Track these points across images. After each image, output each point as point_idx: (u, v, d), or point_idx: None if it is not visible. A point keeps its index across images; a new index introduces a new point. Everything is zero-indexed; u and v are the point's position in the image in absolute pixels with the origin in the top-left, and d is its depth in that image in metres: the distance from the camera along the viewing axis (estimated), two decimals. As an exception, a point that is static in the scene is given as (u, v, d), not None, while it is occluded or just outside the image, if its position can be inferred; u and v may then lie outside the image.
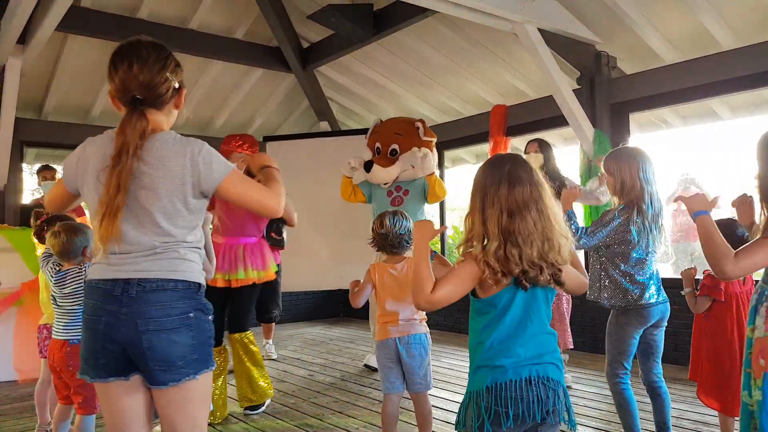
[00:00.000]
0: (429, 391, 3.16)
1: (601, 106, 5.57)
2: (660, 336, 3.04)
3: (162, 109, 1.86)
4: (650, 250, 2.94)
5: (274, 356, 5.91)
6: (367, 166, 5.04)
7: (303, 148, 6.99)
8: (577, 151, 5.68)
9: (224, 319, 4.10)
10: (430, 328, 3.21)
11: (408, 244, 3.11)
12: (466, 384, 1.88)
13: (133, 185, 1.74)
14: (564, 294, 4.48)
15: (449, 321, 7.04)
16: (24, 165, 6.80)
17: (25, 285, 4.90)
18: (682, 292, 3.16)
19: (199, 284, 1.85)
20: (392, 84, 7.32)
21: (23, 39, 5.13)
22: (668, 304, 3.02)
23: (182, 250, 1.82)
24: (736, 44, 4.87)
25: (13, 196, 6.45)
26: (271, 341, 6.04)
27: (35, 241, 3.97)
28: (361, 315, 8.33)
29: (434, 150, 5.19)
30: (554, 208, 1.81)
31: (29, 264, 4.93)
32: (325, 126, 8.26)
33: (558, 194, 4.71)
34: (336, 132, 7.96)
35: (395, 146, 4.98)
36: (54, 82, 6.65)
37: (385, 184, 5.07)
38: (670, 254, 3.26)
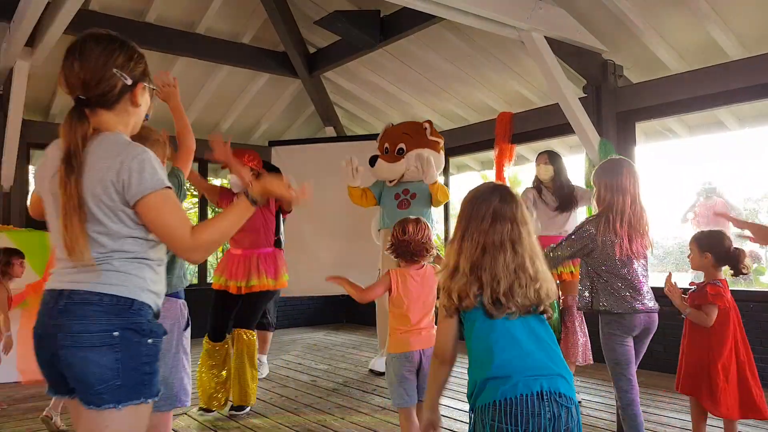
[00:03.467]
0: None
1: (607, 114, 5.56)
2: (641, 347, 3.06)
3: (112, 109, 1.70)
4: (626, 258, 2.96)
5: (264, 375, 5.33)
6: (372, 161, 5.17)
7: (308, 153, 7.00)
8: (583, 159, 5.67)
9: (228, 321, 4.28)
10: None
11: (428, 251, 3.05)
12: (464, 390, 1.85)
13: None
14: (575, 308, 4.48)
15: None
16: (30, 167, 6.82)
17: (29, 286, 4.92)
18: (682, 316, 3.17)
19: (133, 300, 1.63)
20: (398, 90, 7.33)
21: (31, 42, 5.16)
22: (655, 315, 3.03)
23: (117, 262, 1.62)
24: (743, 54, 4.86)
25: (20, 197, 6.47)
26: (265, 359, 5.54)
27: None
28: (364, 321, 8.32)
29: (441, 151, 5.28)
30: (534, 249, 1.80)
31: (34, 266, 4.94)
32: (330, 131, 8.26)
33: (563, 205, 4.75)
34: (342, 137, 7.97)
35: (402, 145, 5.16)
36: (61, 85, 6.68)
37: (390, 181, 5.20)
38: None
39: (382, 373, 5.31)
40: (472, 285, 1.74)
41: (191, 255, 1.69)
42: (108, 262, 1.62)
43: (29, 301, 4.85)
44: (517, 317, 1.75)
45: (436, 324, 3.04)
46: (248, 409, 4.22)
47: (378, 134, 5.65)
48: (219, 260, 4.78)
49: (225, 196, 4.47)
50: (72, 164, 1.58)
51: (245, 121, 8.10)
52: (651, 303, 3.00)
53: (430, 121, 5.36)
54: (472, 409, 1.76)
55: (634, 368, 2.98)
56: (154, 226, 1.64)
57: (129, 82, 1.70)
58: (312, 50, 7.46)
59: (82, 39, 1.68)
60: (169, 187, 1.65)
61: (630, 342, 2.98)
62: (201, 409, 4.17)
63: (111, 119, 1.70)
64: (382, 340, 5.40)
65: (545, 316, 1.81)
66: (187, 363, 2.83)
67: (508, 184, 6.28)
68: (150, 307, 1.68)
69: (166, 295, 1.96)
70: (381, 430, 3.79)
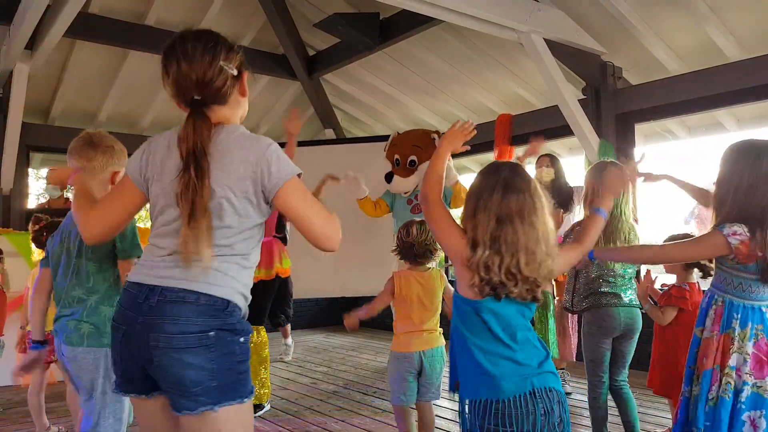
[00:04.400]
0: (437, 402, 3.16)
1: (606, 116, 5.57)
2: (627, 347, 3.14)
3: (226, 103, 1.70)
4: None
5: (288, 358, 6.06)
6: (388, 178, 5.28)
7: (308, 155, 6.96)
8: (582, 161, 5.67)
9: None
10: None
11: (432, 254, 3.06)
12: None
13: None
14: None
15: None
16: (30, 170, 6.82)
17: (29, 289, 4.91)
18: (643, 310, 3.23)
19: (229, 302, 1.59)
20: (397, 92, 7.33)
21: (31, 45, 5.16)
22: (637, 315, 3.11)
23: (218, 262, 1.58)
24: (742, 55, 4.86)
25: (19, 200, 6.47)
26: (289, 340, 6.18)
27: (33, 246, 4.02)
28: (365, 323, 8.29)
29: (450, 159, 5.33)
30: (548, 224, 1.76)
31: (33, 268, 4.94)
32: (330, 134, 8.27)
33: (563, 206, 4.79)
34: (341, 140, 7.97)
35: (413, 157, 5.21)
36: (61, 88, 6.68)
37: (405, 192, 5.28)
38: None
39: None
40: (494, 257, 1.69)
41: (336, 247, 1.68)
42: (213, 260, 1.57)
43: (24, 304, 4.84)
44: (514, 303, 1.73)
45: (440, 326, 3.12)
46: (268, 407, 4.28)
47: (376, 136, 5.68)
48: None
49: None
50: (202, 166, 1.55)
51: (245, 122, 7.89)
52: (630, 302, 3.08)
53: (438, 132, 5.44)
54: (452, 391, 1.81)
55: (606, 368, 3.10)
56: (298, 217, 1.62)
57: (235, 73, 1.70)
58: (311, 52, 7.47)
59: (181, 39, 1.66)
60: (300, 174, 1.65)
61: (608, 344, 3.08)
62: None
63: (226, 113, 1.71)
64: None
65: (537, 303, 1.78)
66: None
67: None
68: (240, 309, 1.65)
69: None
70: (381, 432, 3.79)
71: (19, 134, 5.94)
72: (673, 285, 3.25)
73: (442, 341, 3.08)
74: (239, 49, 1.74)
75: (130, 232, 2.26)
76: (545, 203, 1.77)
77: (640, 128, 5.78)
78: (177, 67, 1.62)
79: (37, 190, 15.98)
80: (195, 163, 1.55)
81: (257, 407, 4.16)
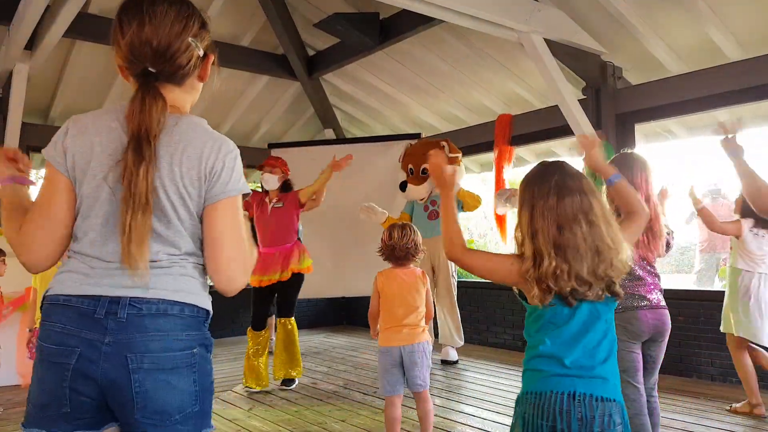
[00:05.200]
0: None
1: (606, 116, 5.57)
2: (656, 352, 2.87)
3: (182, 84, 1.45)
4: (637, 258, 2.81)
5: None
6: (402, 187, 5.80)
7: (308, 155, 6.99)
8: (582, 161, 5.67)
9: (267, 310, 4.99)
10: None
11: (414, 256, 3.27)
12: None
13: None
14: None
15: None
16: (31, 170, 6.82)
17: (29, 290, 4.91)
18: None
19: (208, 312, 1.42)
20: (397, 92, 7.33)
21: (31, 45, 5.16)
22: (665, 316, 2.85)
23: (191, 267, 1.40)
24: (742, 55, 4.86)
25: (19, 200, 6.46)
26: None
27: None
28: (364, 323, 8.28)
29: (461, 163, 5.83)
30: (607, 217, 1.71)
31: (33, 269, 4.93)
32: (330, 134, 8.27)
33: None
34: (341, 140, 7.97)
35: (426, 166, 5.52)
36: (61, 88, 6.68)
37: (421, 199, 5.78)
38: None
39: (452, 362, 5.69)
40: (562, 265, 1.64)
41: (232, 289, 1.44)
42: (182, 266, 1.38)
43: (28, 304, 4.84)
44: (587, 303, 1.69)
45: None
46: (297, 382, 4.97)
47: (376, 136, 5.78)
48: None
49: (253, 197, 4.96)
50: (143, 152, 1.31)
51: (245, 123, 8.10)
52: (657, 302, 2.83)
53: (447, 139, 5.81)
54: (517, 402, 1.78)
55: (641, 376, 2.80)
56: (219, 236, 1.39)
57: (201, 53, 1.46)
58: (311, 53, 7.46)
59: None
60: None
61: (637, 348, 2.81)
62: (246, 387, 4.83)
63: (178, 96, 1.45)
64: (456, 326, 5.78)
65: (616, 298, 1.72)
66: None
67: (507, 186, 6.32)
68: (211, 316, 1.47)
69: None
70: (381, 432, 3.79)
71: (19, 134, 5.93)
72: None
73: (426, 337, 3.23)
74: (207, 30, 1.52)
75: None
76: (599, 196, 1.73)
77: (640, 128, 5.78)
78: (138, 27, 1.36)
79: (36, 190, 15.96)
80: (137, 148, 1.32)
81: (290, 381, 4.92)
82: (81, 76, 6.62)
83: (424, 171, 5.55)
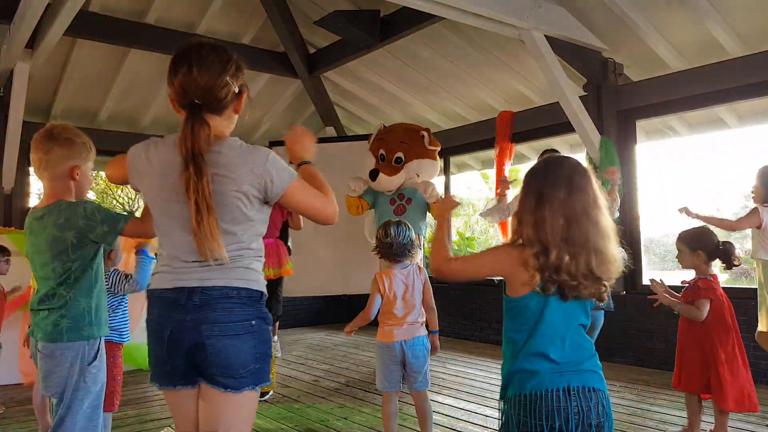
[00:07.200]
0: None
1: (607, 113, 5.56)
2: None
3: (221, 114, 1.82)
4: None
5: (279, 354, 6.11)
6: (373, 175, 5.11)
7: (309, 153, 6.99)
8: (583, 158, 5.66)
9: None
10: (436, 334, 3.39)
11: (410, 252, 3.26)
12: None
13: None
14: None
15: (454, 327, 7.02)
16: (31, 169, 6.83)
17: (29, 289, 4.91)
18: (676, 311, 3.23)
19: (261, 293, 1.83)
20: (398, 90, 7.33)
21: (32, 43, 5.16)
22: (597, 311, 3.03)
23: (246, 260, 1.80)
24: (743, 52, 4.86)
25: (21, 199, 6.48)
26: (276, 338, 6.21)
27: None
28: (366, 320, 8.31)
29: (437, 158, 5.30)
30: (608, 219, 1.73)
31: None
32: (331, 131, 8.27)
33: None
34: (342, 137, 7.97)
35: (400, 154, 5.11)
36: (62, 86, 6.69)
37: (388, 191, 5.17)
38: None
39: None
40: (567, 258, 1.64)
41: (336, 219, 1.92)
42: (239, 260, 1.77)
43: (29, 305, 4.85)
44: (574, 300, 1.69)
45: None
46: (271, 393, 4.61)
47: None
48: None
49: None
50: (200, 166, 1.68)
51: (246, 121, 8.02)
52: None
53: (428, 129, 5.31)
54: (502, 398, 1.75)
55: None
56: (303, 209, 1.88)
57: (237, 90, 1.84)
58: (312, 50, 7.46)
59: (198, 46, 1.78)
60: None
61: None
62: None
63: (219, 123, 1.82)
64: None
65: (599, 303, 1.74)
66: None
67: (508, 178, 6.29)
68: (266, 296, 1.88)
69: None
70: (383, 430, 3.79)
71: (20, 133, 5.94)
72: (698, 278, 3.26)
73: (424, 331, 3.27)
74: (244, 71, 1.89)
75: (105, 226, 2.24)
76: (604, 202, 1.74)
77: (641, 125, 5.78)
78: (188, 69, 1.73)
79: (38, 189, 15.98)
80: (195, 163, 1.68)
81: (263, 395, 4.52)
82: (82, 74, 6.62)
83: (398, 160, 5.09)
